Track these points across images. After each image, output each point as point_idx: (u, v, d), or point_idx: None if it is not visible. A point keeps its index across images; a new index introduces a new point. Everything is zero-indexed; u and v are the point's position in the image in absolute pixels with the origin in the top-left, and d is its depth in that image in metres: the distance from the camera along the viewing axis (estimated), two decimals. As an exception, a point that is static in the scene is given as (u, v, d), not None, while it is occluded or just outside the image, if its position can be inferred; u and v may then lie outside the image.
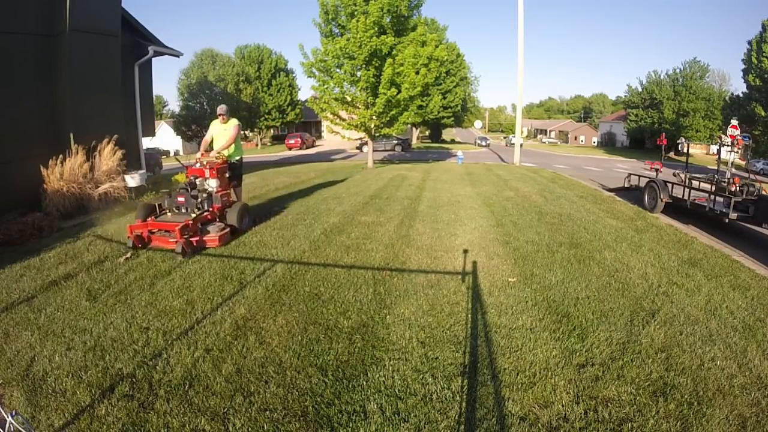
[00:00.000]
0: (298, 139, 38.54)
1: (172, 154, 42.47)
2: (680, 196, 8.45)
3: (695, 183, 8.39)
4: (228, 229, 5.74)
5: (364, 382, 2.73)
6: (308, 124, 53.44)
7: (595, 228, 6.96)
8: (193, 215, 5.41)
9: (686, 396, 2.64)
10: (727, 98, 34.75)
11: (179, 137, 20.95)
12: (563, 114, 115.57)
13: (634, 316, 3.73)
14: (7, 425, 1.46)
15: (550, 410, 2.49)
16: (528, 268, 4.90)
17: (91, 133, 8.53)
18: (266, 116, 40.89)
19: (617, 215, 8.23)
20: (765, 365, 2.99)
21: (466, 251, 5.53)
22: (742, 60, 29.75)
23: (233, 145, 6.52)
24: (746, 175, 7.92)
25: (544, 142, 65.77)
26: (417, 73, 15.68)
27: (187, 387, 2.67)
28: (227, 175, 6.31)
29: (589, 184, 13.86)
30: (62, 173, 7.87)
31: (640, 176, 10.64)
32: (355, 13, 15.49)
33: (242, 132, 21.43)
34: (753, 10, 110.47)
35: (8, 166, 7.34)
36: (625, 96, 48.63)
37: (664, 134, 11.62)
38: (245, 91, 19.02)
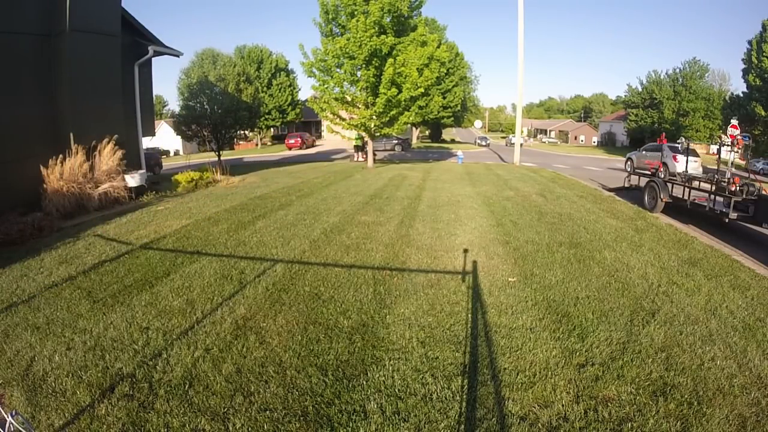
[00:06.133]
0: (298, 139, 38.56)
1: (172, 153, 42.55)
2: (680, 196, 8.45)
3: (695, 183, 8.39)
4: None
5: (364, 382, 2.73)
6: (308, 124, 53.42)
7: (595, 228, 6.96)
8: None
9: (686, 396, 2.63)
10: (727, 98, 34.71)
11: (179, 137, 20.87)
12: (563, 114, 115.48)
13: (634, 315, 3.73)
14: (7, 425, 1.46)
15: (550, 410, 2.49)
16: (528, 268, 4.90)
17: (91, 133, 8.53)
18: (266, 116, 40.94)
19: (617, 215, 8.23)
20: (765, 365, 2.99)
21: (466, 251, 5.53)
22: (742, 60, 29.73)
23: None
24: (746, 175, 7.92)
25: (544, 142, 65.73)
26: (420, 74, 15.65)
27: (187, 387, 2.67)
28: None
29: (589, 183, 13.86)
30: (62, 173, 7.87)
31: (640, 176, 10.64)
32: (356, 12, 15.47)
33: (242, 132, 21.51)
34: (753, 10, 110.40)
35: (8, 166, 7.34)
36: (625, 96, 48.60)
37: (664, 134, 11.63)
38: (246, 91, 18.96)
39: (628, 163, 20.22)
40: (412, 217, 7.48)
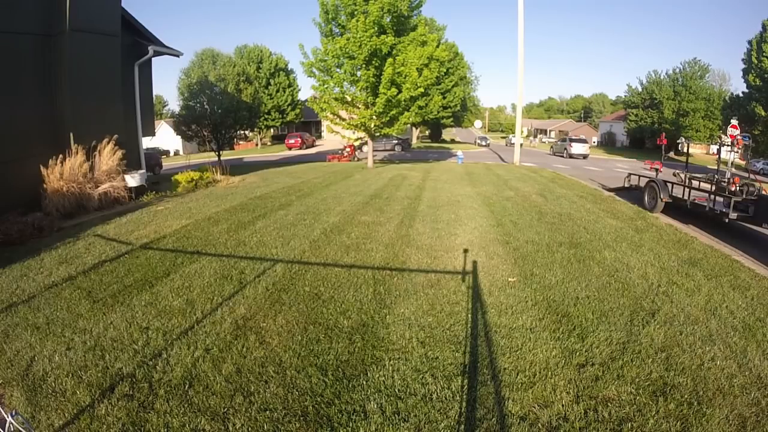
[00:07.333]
0: (298, 139, 38.54)
1: (172, 153, 42.55)
2: (680, 196, 8.44)
3: (695, 183, 8.39)
4: None
5: (364, 382, 2.73)
6: (308, 124, 53.41)
7: (595, 228, 6.96)
8: None
9: (686, 396, 2.64)
10: (727, 98, 34.69)
11: (179, 137, 20.89)
12: (563, 114, 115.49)
13: (634, 315, 3.73)
14: (7, 425, 1.46)
15: (550, 410, 2.49)
16: (528, 268, 4.90)
17: (91, 133, 8.53)
18: (266, 116, 40.93)
19: (617, 215, 8.23)
20: (765, 365, 2.99)
21: (466, 251, 5.53)
22: (742, 60, 29.71)
23: None
24: (746, 175, 7.92)
25: (544, 142, 65.76)
26: (420, 74, 15.64)
27: (187, 387, 2.67)
28: None
29: (589, 183, 13.86)
30: (62, 173, 7.86)
31: (640, 176, 10.64)
32: (355, 12, 15.48)
33: (242, 132, 21.65)
34: (753, 10, 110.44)
35: (8, 166, 7.34)
36: (625, 96, 48.56)
37: (664, 134, 11.62)
38: (246, 91, 18.99)
39: (551, 148, 33.22)
40: (412, 217, 7.48)
